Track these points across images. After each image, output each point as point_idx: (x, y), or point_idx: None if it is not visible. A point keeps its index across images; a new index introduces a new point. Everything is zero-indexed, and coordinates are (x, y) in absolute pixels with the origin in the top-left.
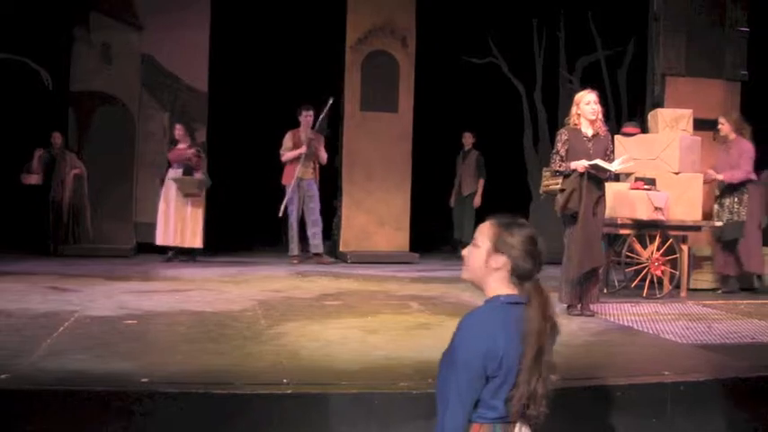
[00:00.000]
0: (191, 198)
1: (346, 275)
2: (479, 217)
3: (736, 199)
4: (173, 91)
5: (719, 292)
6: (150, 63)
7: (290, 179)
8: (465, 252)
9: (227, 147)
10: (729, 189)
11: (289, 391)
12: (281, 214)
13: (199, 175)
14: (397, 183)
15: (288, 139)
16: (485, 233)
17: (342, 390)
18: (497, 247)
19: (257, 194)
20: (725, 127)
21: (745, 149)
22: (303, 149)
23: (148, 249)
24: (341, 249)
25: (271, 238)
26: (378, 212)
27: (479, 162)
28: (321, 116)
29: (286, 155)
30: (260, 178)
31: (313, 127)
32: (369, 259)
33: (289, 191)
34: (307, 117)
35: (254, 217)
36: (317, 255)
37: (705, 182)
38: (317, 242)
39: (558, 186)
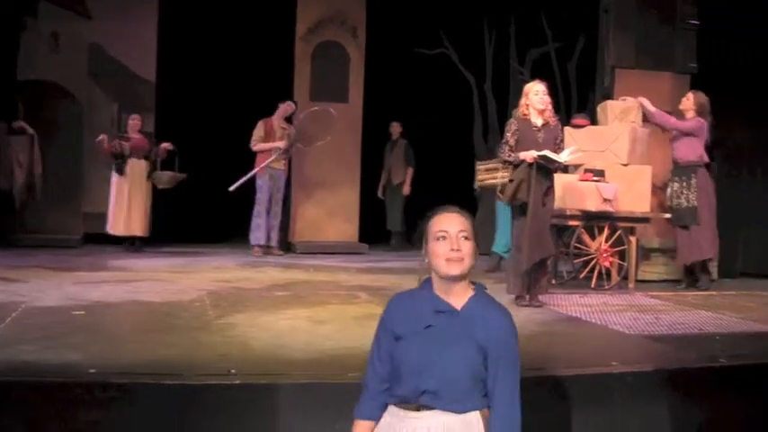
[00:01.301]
0: (148, 188)
1: (296, 266)
2: (410, 206)
3: (684, 184)
4: (121, 80)
5: (681, 286)
6: (98, 52)
7: (262, 170)
8: (455, 246)
9: (175, 136)
10: (678, 173)
11: (238, 382)
12: (232, 188)
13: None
14: (347, 174)
15: (259, 128)
16: (468, 223)
17: (291, 380)
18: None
19: (206, 184)
20: (688, 102)
21: (702, 124)
22: (280, 144)
23: (97, 240)
24: (290, 240)
25: (220, 229)
26: (327, 203)
27: (408, 151)
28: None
29: (259, 145)
30: (208, 168)
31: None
32: (318, 250)
33: (258, 179)
34: (286, 107)
35: (202, 207)
36: (269, 247)
37: (624, 100)
38: (274, 234)
39: (507, 177)
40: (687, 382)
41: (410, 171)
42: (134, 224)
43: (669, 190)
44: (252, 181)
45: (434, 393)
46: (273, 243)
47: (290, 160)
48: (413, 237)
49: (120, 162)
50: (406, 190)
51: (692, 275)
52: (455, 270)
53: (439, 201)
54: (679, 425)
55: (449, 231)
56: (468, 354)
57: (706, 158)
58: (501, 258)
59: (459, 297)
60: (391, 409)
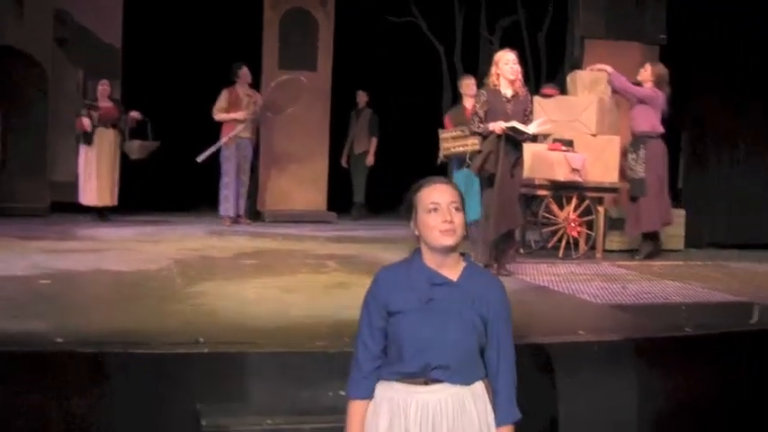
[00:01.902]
0: (116, 157)
1: (263, 235)
2: (373, 176)
3: (634, 155)
4: (87, 47)
5: (636, 257)
6: (63, 18)
7: (228, 140)
8: (447, 217)
9: (141, 104)
10: (633, 143)
11: (205, 350)
12: (200, 159)
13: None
14: (316, 142)
15: (223, 99)
16: (458, 194)
17: (259, 349)
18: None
19: (173, 153)
20: (646, 73)
21: (657, 94)
22: (239, 116)
23: (64, 209)
24: (258, 208)
25: (188, 197)
26: (296, 172)
27: (373, 121)
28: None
29: (220, 115)
30: (176, 136)
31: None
32: (286, 218)
33: (224, 149)
34: (244, 75)
35: (170, 175)
36: (238, 216)
37: (592, 69)
38: (241, 203)
39: (477, 146)
40: (653, 351)
41: (374, 141)
42: (104, 194)
43: (627, 160)
44: (219, 152)
45: (446, 367)
46: (241, 212)
47: (257, 129)
48: (400, 209)
49: (87, 132)
50: (370, 160)
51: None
52: (449, 241)
53: (406, 172)
54: (645, 394)
55: (440, 203)
56: (475, 324)
57: (660, 129)
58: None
59: (452, 268)
60: (394, 385)
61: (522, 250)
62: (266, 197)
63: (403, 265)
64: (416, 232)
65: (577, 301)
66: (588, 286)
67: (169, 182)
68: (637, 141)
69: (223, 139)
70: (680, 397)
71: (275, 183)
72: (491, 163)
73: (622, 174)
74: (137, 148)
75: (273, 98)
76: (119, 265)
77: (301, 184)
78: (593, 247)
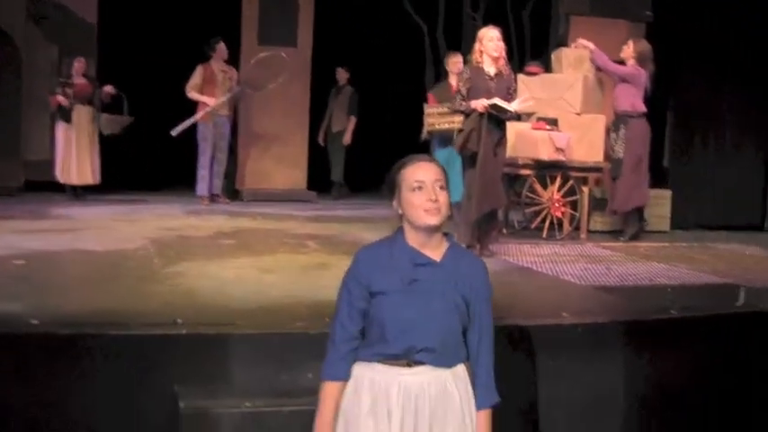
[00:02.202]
0: (95, 133)
1: (242, 214)
2: (354, 155)
3: (615, 135)
4: (61, 23)
5: (621, 238)
6: None
7: (203, 118)
8: (432, 196)
9: (118, 81)
10: (614, 122)
11: (183, 332)
12: (175, 133)
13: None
14: (296, 120)
15: (197, 75)
16: (442, 173)
17: (238, 330)
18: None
19: (150, 130)
20: (629, 50)
21: (639, 72)
22: (210, 102)
23: (38, 188)
24: (237, 187)
25: (165, 176)
26: (275, 150)
27: (352, 99)
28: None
29: (193, 93)
30: (153, 113)
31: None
32: (265, 197)
33: (201, 127)
34: (220, 51)
35: (147, 153)
36: (215, 195)
37: (576, 47)
38: (218, 182)
39: (459, 126)
40: (638, 333)
41: (352, 120)
42: (85, 172)
43: (609, 140)
44: (195, 130)
45: (430, 350)
46: (219, 191)
47: (235, 106)
48: (382, 187)
49: (64, 109)
50: (347, 139)
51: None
52: (434, 220)
53: (387, 151)
54: (630, 377)
55: (425, 181)
56: (458, 306)
57: (641, 108)
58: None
59: (435, 249)
60: (375, 366)
61: (505, 231)
62: (245, 176)
63: (385, 245)
64: (400, 211)
65: (561, 283)
66: (572, 267)
67: (146, 160)
68: (618, 121)
69: (199, 114)
70: (665, 380)
71: (254, 161)
72: (473, 141)
73: (607, 153)
74: (105, 122)
75: (253, 75)
76: (95, 245)
77: (281, 162)
78: (577, 228)
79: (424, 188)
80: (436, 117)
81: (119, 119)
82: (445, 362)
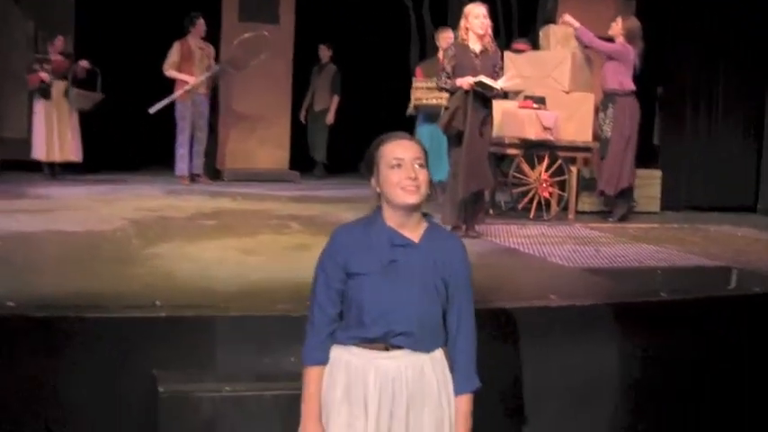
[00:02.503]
0: (73, 111)
1: (223, 194)
2: (337, 134)
3: (603, 114)
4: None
5: (610, 219)
6: None
7: (182, 96)
8: (411, 174)
9: (95, 57)
10: (603, 101)
11: (163, 314)
12: (152, 110)
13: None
14: (278, 99)
15: (174, 52)
16: (422, 150)
17: (219, 312)
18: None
19: (128, 108)
20: (617, 27)
21: (627, 49)
22: (189, 81)
23: (13, 167)
24: (218, 167)
25: (144, 155)
26: (257, 129)
27: (336, 77)
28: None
29: (171, 72)
30: (131, 91)
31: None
32: (247, 177)
33: (179, 106)
34: (199, 26)
35: (125, 132)
36: (196, 175)
37: (563, 23)
38: (198, 162)
39: (446, 103)
40: (627, 316)
41: (335, 99)
42: (69, 148)
43: (597, 119)
44: (173, 108)
45: (409, 334)
46: (199, 171)
47: (215, 85)
48: (359, 165)
49: (44, 86)
50: (330, 119)
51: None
52: (412, 199)
53: (370, 130)
54: (618, 361)
55: (404, 159)
56: (438, 288)
57: (629, 86)
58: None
59: (414, 229)
60: (352, 349)
61: (491, 211)
62: (226, 155)
63: (362, 224)
64: (378, 189)
65: (548, 265)
66: (560, 249)
67: (125, 139)
68: (606, 99)
69: (177, 92)
70: (655, 364)
71: (235, 140)
72: (459, 120)
73: (596, 133)
74: (76, 97)
75: (236, 55)
76: (72, 226)
77: (262, 141)
78: (565, 209)
79: (402, 166)
80: (424, 92)
81: (90, 95)
82: (423, 346)
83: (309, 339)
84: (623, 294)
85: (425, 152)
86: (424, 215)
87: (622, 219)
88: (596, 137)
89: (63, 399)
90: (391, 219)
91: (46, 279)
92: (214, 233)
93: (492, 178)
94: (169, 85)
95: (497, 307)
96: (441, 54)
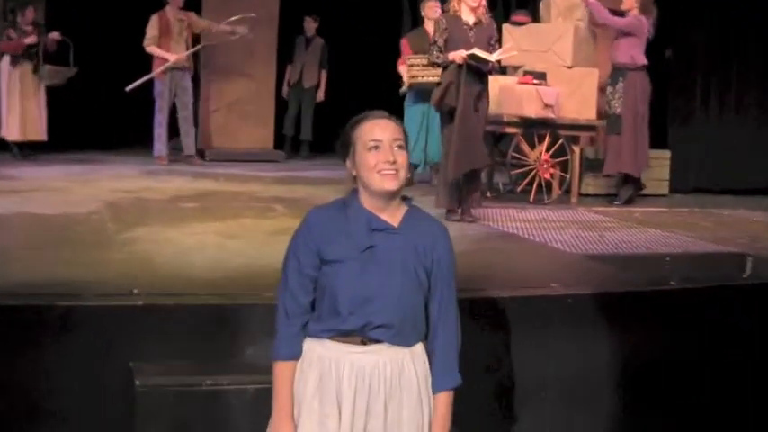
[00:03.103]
0: (40, 87)
1: (204, 175)
2: (324, 112)
3: (612, 89)
4: None
5: (616, 203)
6: None
7: (160, 73)
8: (390, 157)
9: (66, 29)
10: (612, 76)
11: (140, 303)
12: (128, 89)
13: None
14: (262, 73)
15: (153, 26)
16: (402, 131)
17: (199, 301)
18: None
19: (103, 84)
20: (629, 1)
21: (641, 22)
22: (170, 59)
23: None
24: (199, 147)
25: (120, 133)
26: (240, 106)
27: (324, 51)
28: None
29: (153, 48)
30: (106, 65)
31: None
32: (229, 157)
33: (158, 83)
34: None
35: (100, 109)
36: (188, 156)
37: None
38: (189, 142)
39: (436, 80)
40: (634, 306)
41: (324, 74)
42: (30, 127)
43: (605, 95)
44: (151, 85)
45: (389, 326)
46: (191, 152)
47: (196, 56)
48: (335, 145)
49: (32, 51)
50: (320, 95)
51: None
52: (391, 184)
53: (359, 107)
54: (624, 353)
55: (382, 140)
56: (419, 277)
57: (641, 60)
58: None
59: (393, 213)
60: (325, 342)
61: (488, 194)
62: (207, 134)
63: (337, 207)
64: (353, 173)
65: (549, 251)
66: (562, 234)
67: (100, 116)
68: (616, 74)
69: (156, 71)
70: (663, 357)
71: (217, 117)
72: (451, 96)
73: (601, 110)
74: (49, 73)
75: (221, 33)
76: (44, 209)
77: (246, 119)
78: (567, 191)
79: (380, 148)
80: (419, 69)
81: (62, 69)
82: (404, 340)
83: (282, 331)
84: (630, 283)
85: (405, 133)
86: (404, 198)
87: (628, 201)
88: (602, 114)
89: (33, 393)
90: (368, 202)
91: (15, 265)
92: (194, 216)
93: (487, 156)
94: (147, 58)
95: (494, 296)
96: (427, 25)
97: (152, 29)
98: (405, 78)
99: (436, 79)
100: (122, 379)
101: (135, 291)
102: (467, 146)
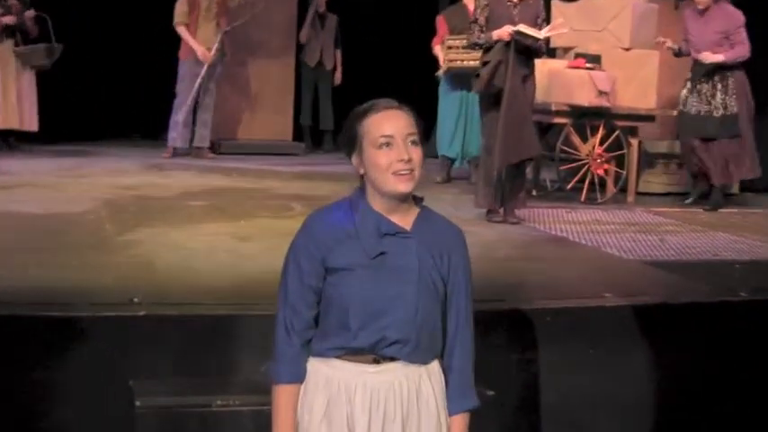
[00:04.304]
0: (30, 72)
1: (215, 170)
2: (339, 98)
3: (720, 86)
4: None
5: (688, 200)
6: None
7: (188, 54)
8: (404, 155)
9: (52, 7)
10: (706, 72)
11: (141, 313)
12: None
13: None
14: (279, 57)
15: (182, 3)
16: (415, 123)
17: (207, 311)
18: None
19: (103, 68)
20: None
21: (737, 18)
22: (199, 51)
23: None
24: (210, 138)
25: (119, 122)
26: (255, 91)
27: (337, 29)
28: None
29: (182, 29)
30: (102, 47)
31: None
32: (243, 150)
33: (181, 65)
34: None
35: (95, 95)
36: (199, 148)
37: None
38: (204, 132)
39: (479, 61)
40: (698, 318)
41: (338, 54)
42: (12, 115)
43: (686, 89)
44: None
45: (405, 342)
46: (205, 144)
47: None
48: (339, 139)
49: (15, 28)
50: (338, 77)
51: (702, 186)
52: (406, 186)
53: (384, 94)
54: (686, 370)
55: (394, 136)
56: (437, 287)
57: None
58: (452, 164)
59: (404, 214)
60: (332, 362)
61: (534, 192)
62: (220, 124)
63: (342, 208)
64: (361, 171)
65: (603, 256)
66: (617, 238)
67: (95, 102)
68: (717, 68)
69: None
70: (728, 375)
71: (231, 106)
72: (500, 76)
73: (669, 99)
74: (30, 55)
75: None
76: (33, 207)
77: (262, 108)
78: (623, 190)
79: (392, 145)
80: (458, 52)
81: (43, 47)
82: (420, 356)
83: (282, 350)
84: (693, 293)
85: (419, 124)
86: (415, 198)
87: (716, 207)
88: (671, 105)
89: (20, 413)
90: (377, 203)
91: (2, 271)
92: (203, 216)
93: (538, 145)
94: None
95: (542, 307)
96: (466, 1)
97: (181, 3)
98: (441, 61)
99: (477, 63)
100: (121, 399)
101: (135, 299)
102: (514, 132)
